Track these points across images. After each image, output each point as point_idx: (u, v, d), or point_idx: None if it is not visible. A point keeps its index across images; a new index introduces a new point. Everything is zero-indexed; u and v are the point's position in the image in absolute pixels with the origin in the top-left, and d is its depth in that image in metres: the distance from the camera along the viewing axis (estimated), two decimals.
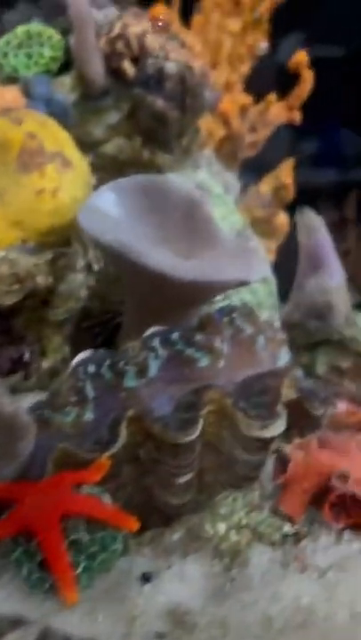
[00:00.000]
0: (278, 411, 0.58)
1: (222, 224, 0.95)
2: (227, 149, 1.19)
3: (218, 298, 0.83)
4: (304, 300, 0.84)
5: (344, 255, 1.08)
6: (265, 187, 1.23)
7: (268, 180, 1.23)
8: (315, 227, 0.84)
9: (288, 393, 0.61)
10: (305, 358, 0.86)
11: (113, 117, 0.95)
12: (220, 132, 1.19)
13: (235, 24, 1.18)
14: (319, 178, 1.72)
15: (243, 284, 0.70)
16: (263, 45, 1.16)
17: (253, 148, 1.22)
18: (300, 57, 1.15)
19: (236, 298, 0.92)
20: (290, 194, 1.21)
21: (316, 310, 0.83)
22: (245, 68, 1.18)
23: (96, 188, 0.84)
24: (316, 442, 0.58)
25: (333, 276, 0.83)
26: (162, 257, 0.65)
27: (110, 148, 0.97)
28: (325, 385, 0.82)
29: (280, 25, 1.13)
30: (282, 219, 1.26)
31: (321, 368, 0.84)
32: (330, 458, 0.56)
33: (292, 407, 0.61)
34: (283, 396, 0.60)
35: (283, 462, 0.58)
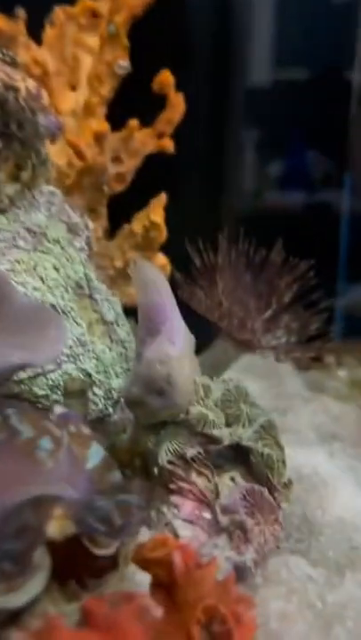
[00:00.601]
0: (34, 563, 0.41)
1: (56, 275, 0.79)
2: (87, 182, 1.03)
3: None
4: (142, 372, 0.68)
5: (217, 306, 0.92)
6: (137, 226, 1.07)
7: (139, 219, 1.07)
8: (152, 282, 0.68)
9: (64, 526, 0.44)
10: (151, 442, 0.70)
11: None
12: (80, 163, 1.02)
13: (92, 39, 1.02)
14: (286, 200, 1.62)
15: (25, 367, 0.54)
16: (124, 64, 1.00)
17: (122, 180, 1.06)
18: (164, 77, 1.00)
19: (69, 366, 0.75)
20: (162, 234, 1.05)
21: (155, 384, 0.67)
22: (107, 90, 1.02)
23: None
24: (84, 613, 0.41)
25: (175, 343, 0.67)
26: None
27: None
28: (167, 479, 0.65)
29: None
30: (159, 260, 1.10)
31: (165, 456, 0.67)
32: None
33: (68, 547, 0.44)
34: (51, 532, 0.43)
35: None
